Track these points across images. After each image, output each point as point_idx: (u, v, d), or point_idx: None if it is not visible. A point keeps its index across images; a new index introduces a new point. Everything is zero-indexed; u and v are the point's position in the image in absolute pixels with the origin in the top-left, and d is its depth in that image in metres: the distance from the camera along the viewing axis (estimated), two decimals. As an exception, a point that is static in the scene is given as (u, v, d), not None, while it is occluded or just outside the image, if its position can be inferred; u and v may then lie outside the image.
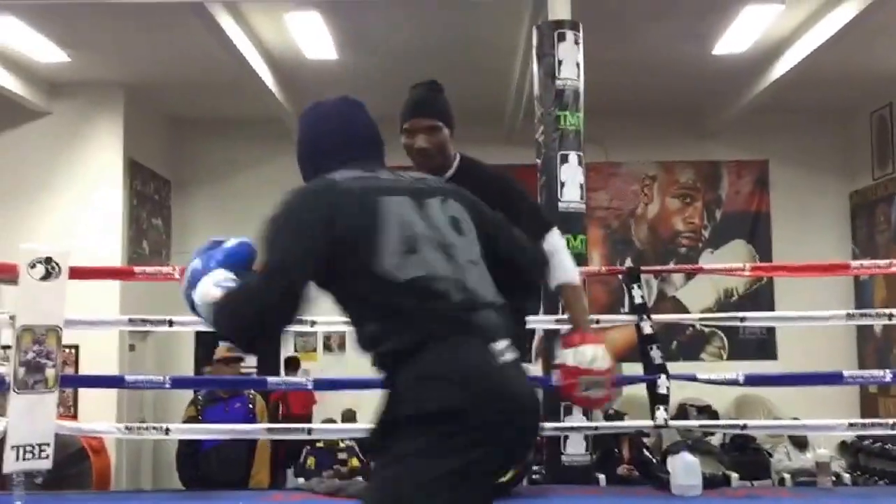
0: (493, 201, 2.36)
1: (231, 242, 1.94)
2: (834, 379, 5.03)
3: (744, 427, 5.29)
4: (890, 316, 4.15)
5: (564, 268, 2.54)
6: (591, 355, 2.28)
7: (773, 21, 6.86)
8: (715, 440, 7.85)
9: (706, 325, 9.19)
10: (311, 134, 2.03)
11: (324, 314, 5.25)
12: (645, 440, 6.74)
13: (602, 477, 5.70)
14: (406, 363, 1.71)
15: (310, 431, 4.62)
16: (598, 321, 5.35)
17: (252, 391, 5.22)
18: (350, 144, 2.00)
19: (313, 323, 4.69)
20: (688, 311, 8.97)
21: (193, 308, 1.89)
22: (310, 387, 4.68)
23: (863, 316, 4.89)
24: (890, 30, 6.98)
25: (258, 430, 4.69)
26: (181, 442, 5.11)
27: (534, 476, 5.80)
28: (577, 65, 5.51)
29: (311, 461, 6.55)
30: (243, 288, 1.78)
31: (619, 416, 6.91)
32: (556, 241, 2.59)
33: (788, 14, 6.78)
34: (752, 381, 5.05)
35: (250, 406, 5.08)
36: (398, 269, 1.75)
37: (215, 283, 1.83)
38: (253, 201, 9.31)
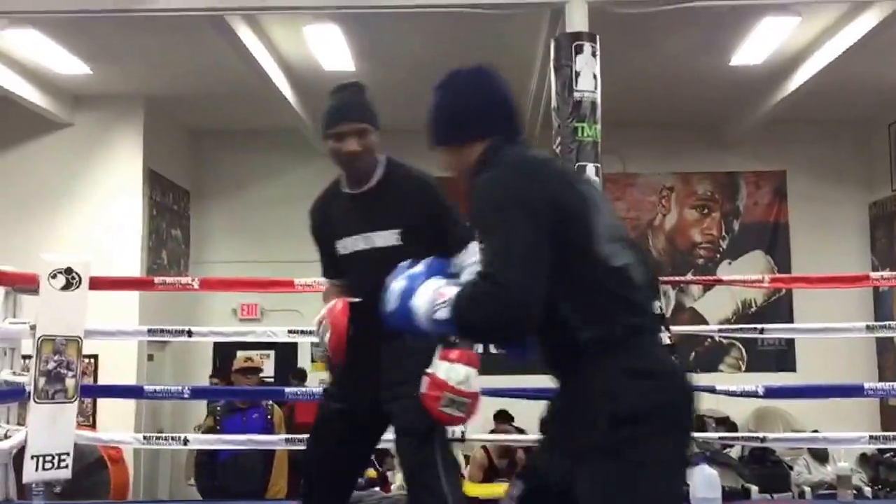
0: (424, 207, 2.55)
1: (426, 262, 1.87)
2: (854, 391, 5.00)
3: (763, 440, 5.28)
4: (909, 328, 4.13)
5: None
6: (463, 375, 2.28)
7: (790, 33, 6.84)
8: (734, 452, 7.79)
9: (725, 337, 9.14)
10: (488, 95, 1.94)
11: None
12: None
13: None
14: (613, 354, 1.68)
15: (327, 442, 4.64)
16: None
17: (270, 402, 5.25)
18: (516, 117, 1.95)
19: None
20: (706, 322, 8.93)
21: (407, 325, 1.79)
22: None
23: (883, 328, 4.86)
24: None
25: (276, 440, 4.71)
26: (199, 452, 5.14)
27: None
28: (595, 76, 5.52)
29: (328, 472, 6.53)
30: (489, 276, 1.65)
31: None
32: (472, 254, 2.44)
33: (805, 26, 6.75)
34: (772, 393, 5.04)
35: (268, 417, 5.11)
36: (611, 256, 1.74)
37: (437, 288, 1.75)
38: (271, 211, 9.47)
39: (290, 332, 4.73)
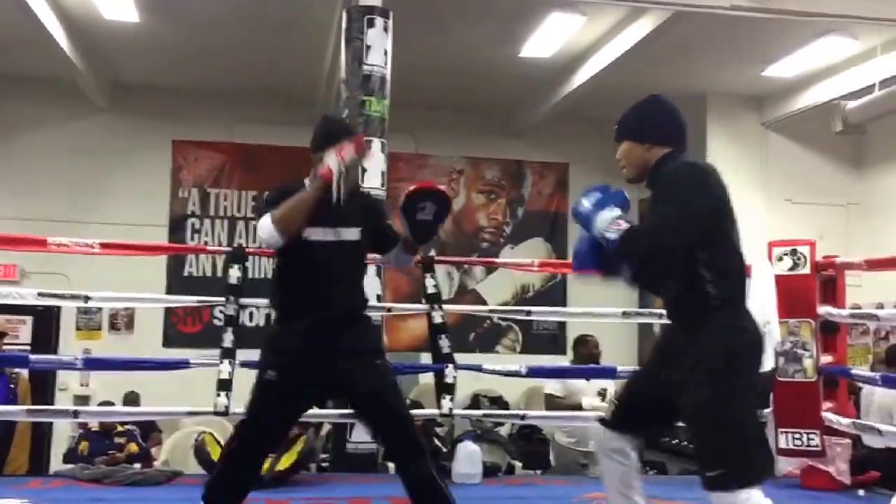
0: (374, 212, 3.25)
1: (614, 190, 2.61)
2: (608, 373, 5.30)
3: (523, 417, 5.51)
4: (661, 315, 4.41)
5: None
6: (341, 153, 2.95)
7: (575, 30, 7.13)
8: (504, 431, 8.08)
9: (502, 319, 9.47)
10: (672, 114, 2.70)
11: (108, 290, 4.99)
12: (438, 430, 6.82)
13: (392, 465, 5.71)
14: (730, 311, 2.48)
15: (76, 414, 4.32)
16: (389, 309, 5.41)
17: (16, 370, 4.82)
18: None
19: (87, 298, 4.41)
20: (486, 304, 9.21)
21: (582, 221, 2.59)
22: (79, 366, 4.37)
23: (637, 314, 5.18)
24: (679, 50, 7.43)
25: (17, 411, 4.33)
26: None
27: (322, 464, 5.74)
28: (385, 52, 5.50)
29: (83, 446, 6.11)
30: (664, 222, 2.49)
31: (415, 404, 6.97)
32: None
33: (590, 26, 7.07)
34: (533, 373, 5.25)
35: (11, 386, 4.69)
36: (737, 243, 2.55)
37: (616, 216, 2.51)
38: (41, 161, 8.75)
39: (40, 294, 4.36)
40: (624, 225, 2.48)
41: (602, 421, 2.74)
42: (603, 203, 2.55)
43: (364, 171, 5.36)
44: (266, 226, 2.92)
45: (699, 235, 2.44)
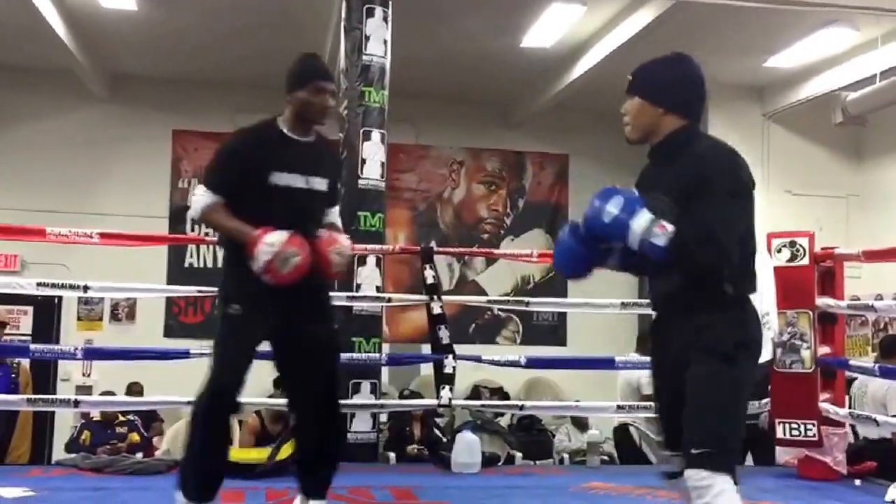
0: (338, 167, 3.36)
1: (631, 191, 2.32)
2: (606, 364, 5.32)
3: (522, 407, 5.53)
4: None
5: (338, 220, 3.26)
6: (278, 236, 2.81)
7: (575, 21, 7.12)
8: (504, 421, 8.10)
9: (502, 310, 9.48)
10: (699, 82, 2.44)
11: (108, 281, 5.00)
12: (438, 420, 6.85)
13: (392, 455, 5.74)
14: (740, 306, 2.34)
15: (77, 403, 4.34)
16: (389, 300, 5.42)
17: (17, 360, 4.84)
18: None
19: (87, 288, 4.42)
20: (486, 295, 9.21)
21: (614, 233, 2.26)
22: (79, 356, 4.39)
23: (635, 305, 5.19)
24: (680, 41, 7.38)
25: (18, 400, 4.35)
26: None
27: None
28: (385, 42, 5.49)
29: (85, 436, 6.14)
30: (715, 236, 2.22)
31: (415, 395, 6.98)
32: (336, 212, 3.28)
33: (590, 16, 7.06)
34: (532, 363, 5.28)
35: (13, 376, 4.71)
36: (754, 237, 2.39)
37: (654, 219, 2.21)
38: (41, 152, 8.74)
39: (40, 284, 4.37)
40: (669, 228, 2.21)
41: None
42: (632, 207, 2.23)
43: (364, 161, 5.37)
44: (199, 205, 2.99)
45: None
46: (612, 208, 2.23)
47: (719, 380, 2.25)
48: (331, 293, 3.27)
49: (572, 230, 2.42)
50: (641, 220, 2.20)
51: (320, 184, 3.02)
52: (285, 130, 3.01)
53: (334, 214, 3.22)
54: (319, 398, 3.06)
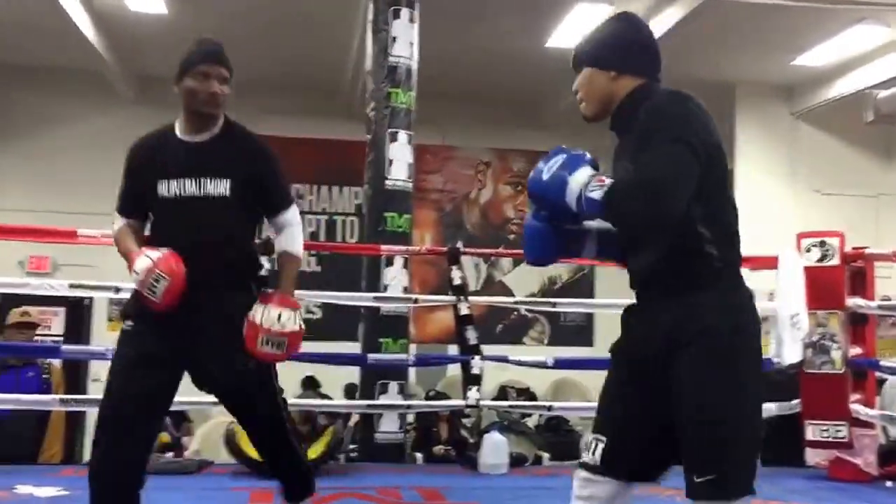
0: (256, 164, 2.69)
1: (580, 151, 2.04)
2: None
3: (550, 408, 5.51)
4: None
5: (291, 240, 2.75)
6: (276, 316, 2.56)
7: (601, 20, 7.09)
8: (531, 422, 8.09)
9: (529, 311, 9.47)
10: (646, 36, 2.18)
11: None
12: (465, 421, 6.85)
13: (419, 456, 5.75)
14: (731, 277, 2.00)
15: (108, 404, 4.38)
16: (416, 301, 5.43)
17: (48, 361, 4.90)
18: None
19: (118, 290, 4.47)
20: (513, 296, 9.20)
21: (552, 194, 1.99)
22: (109, 356, 4.43)
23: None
24: (709, 39, 7.37)
25: (50, 400, 4.40)
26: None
27: (351, 454, 5.78)
28: (412, 44, 5.50)
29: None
30: (654, 178, 1.88)
31: (441, 396, 6.99)
32: (291, 217, 2.76)
33: (617, 14, 7.02)
34: (560, 364, 5.27)
35: (45, 376, 4.76)
36: (733, 197, 2.07)
37: (595, 174, 1.94)
38: (66, 157, 8.85)
39: (72, 286, 4.43)
40: (608, 181, 1.91)
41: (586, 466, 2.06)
42: (573, 164, 1.97)
43: (391, 162, 5.39)
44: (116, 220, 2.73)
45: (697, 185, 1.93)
46: (553, 164, 2.00)
47: (717, 382, 1.89)
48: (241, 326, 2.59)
49: (535, 210, 2.15)
50: (580, 176, 1.94)
51: (220, 186, 2.57)
52: (177, 132, 2.66)
53: (284, 229, 2.73)
54: (265, 444, 2.85)
